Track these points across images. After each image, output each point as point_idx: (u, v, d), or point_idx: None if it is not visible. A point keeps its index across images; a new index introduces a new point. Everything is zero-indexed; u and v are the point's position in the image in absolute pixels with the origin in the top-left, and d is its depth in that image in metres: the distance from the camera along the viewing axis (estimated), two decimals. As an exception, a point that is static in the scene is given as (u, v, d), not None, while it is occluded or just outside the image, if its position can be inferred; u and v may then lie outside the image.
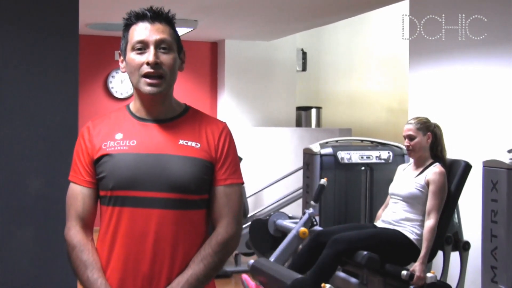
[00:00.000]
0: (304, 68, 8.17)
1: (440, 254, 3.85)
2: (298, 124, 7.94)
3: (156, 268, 1.72)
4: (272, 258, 3.98)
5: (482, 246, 3.34)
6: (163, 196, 1.72)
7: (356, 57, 8.26)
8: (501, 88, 4.09)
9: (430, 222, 3.57)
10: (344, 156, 4.48)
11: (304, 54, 8.14)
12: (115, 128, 1.80)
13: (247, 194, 5.98)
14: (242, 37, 7.56)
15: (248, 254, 5.69)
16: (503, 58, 4.06)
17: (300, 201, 5.35)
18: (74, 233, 1.77)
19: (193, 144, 1.77)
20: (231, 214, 1.79)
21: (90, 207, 1.79)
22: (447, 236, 3.81)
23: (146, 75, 1.74)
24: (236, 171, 1.82)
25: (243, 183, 1.85)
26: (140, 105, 1.81)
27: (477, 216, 3.52)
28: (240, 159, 6.72)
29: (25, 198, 2.81)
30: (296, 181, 5.65)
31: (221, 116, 7.80)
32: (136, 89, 1.79)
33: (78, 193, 1.79)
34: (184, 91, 7.62)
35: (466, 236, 3.97)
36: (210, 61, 7.93)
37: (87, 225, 1.80)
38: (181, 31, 6.51)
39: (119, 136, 1.78)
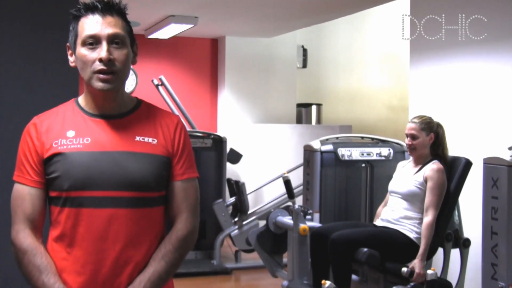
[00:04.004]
0: (304, 65, 8.16)
1: (440, 251, 3.85)
2: (299, 121, 7.94)
3: (118, 268, 1.67)
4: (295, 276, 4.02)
5: (483, 243, 3.34)
6: (122, 195, 1.66)
7: (357, 54, 8.26)
8: (501, 86, 4.08)
9: (428, 218, 3.56)
10: (345, 153, 4.48)
11: (305, 51, 8.13)
12: (66, 125, 1.72)
13: (248, 191, 5.98)
14: (242, 33, 7.55)
15: (248, 251, 5.69)
16: (503, 57, 4.05)
17: (300, 198, 5.34)
18: (24, 236, 1.69)
19: (150, 140, 1.72)
20: (189, 209, 1.75)
21: (40, 208, 1.71)
22: (448, 233, 3.81)
23: (98, 72, 1.66)
24: (192, 165, 1.78)
25: (198, 176, 1.81)
26: (91, 100, 1.73)
27: (478, 213, 3.51)
28: (241, 155, 6.72)
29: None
30: (296, 178, 5.64)
31: (221, 112, 7.79)
32: (88, 84, 1.71)
33: (26, 194, 1.71)
34: (185, 88, 7.62)
35: (466, 233, 3.97)
36: (210, 57, 7.91)
37: (37, 227, 1.71)
38: (181, 27, 6.49)
39: (71, 133, 1.70)
